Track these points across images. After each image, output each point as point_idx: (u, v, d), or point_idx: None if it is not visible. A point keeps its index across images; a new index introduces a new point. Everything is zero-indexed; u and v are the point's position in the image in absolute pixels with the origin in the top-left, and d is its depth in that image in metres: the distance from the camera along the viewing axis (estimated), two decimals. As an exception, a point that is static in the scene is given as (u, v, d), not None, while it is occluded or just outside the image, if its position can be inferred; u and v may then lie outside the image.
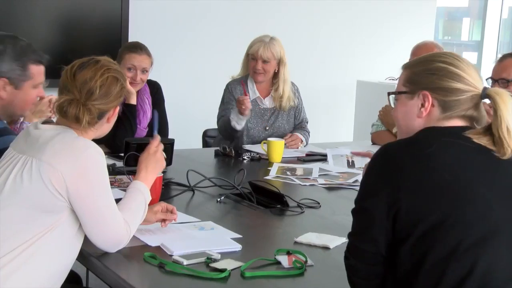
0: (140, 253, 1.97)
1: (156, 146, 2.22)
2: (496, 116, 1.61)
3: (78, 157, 1.88)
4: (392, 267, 1.60)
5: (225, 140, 3.75)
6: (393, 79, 5.91)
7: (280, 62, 3.84)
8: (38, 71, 2.47)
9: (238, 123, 3.63)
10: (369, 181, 1.64)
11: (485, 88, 1.65)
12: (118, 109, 2.07)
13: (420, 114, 1.67)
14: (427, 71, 1.68)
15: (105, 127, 2.07)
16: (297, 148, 3.79)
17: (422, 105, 1.67)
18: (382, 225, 1.57)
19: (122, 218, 1.96)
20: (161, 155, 2.22)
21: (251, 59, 3.83)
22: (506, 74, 3.29)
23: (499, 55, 3.96)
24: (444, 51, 1.72)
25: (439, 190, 1.55)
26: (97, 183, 1.91)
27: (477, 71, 1.68)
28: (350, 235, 1.66)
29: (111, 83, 2.00)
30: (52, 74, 2.38)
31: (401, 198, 1.55)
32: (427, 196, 1.55)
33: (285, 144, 3.66)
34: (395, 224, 1.57)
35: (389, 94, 1.77)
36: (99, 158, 1.93)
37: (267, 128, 3.88)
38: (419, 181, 1.55)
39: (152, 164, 2.17)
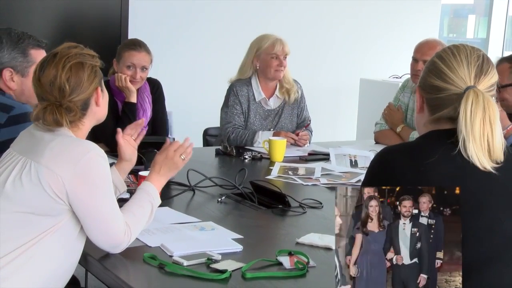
0: (139, 253, 1.95)
1: (174, 149, 2.18)
2: (457, 122, 1.51)
3: (78, 161, 1.85)
4: None
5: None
6: (397, 77, 5.88)
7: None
8: (39, 54, 2.45)
9: (260, 141, 3.66)
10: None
11: (467, 88, 1.53)
12: (100, 89, 1.98)
13: (417, 109, 1.64)
14: (426, 65, 1.65)
15: (99, 112, 2.01)
16: (303, 145, 3.74)
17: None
18: None
19: (124, 221, 1.92)
20: (179, 159, 2.17)
21: (271, 58, 3.79)
22: (500, 80, 3.24)
23: (505, 53, 3.92)
24: (453, 44, 1.64)
25: None
26: (98, 187, 1.88)
27: (474, 68, 1.56)
28: None
29: (77, 70, 1.92)
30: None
31: None
32: None
33: (295, 138, 3.66)
34: None
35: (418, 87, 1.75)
36: (100, 161, 1.89)
37: (272, 130, 3.85)
38: None
39: (166, 167, 2.14)
